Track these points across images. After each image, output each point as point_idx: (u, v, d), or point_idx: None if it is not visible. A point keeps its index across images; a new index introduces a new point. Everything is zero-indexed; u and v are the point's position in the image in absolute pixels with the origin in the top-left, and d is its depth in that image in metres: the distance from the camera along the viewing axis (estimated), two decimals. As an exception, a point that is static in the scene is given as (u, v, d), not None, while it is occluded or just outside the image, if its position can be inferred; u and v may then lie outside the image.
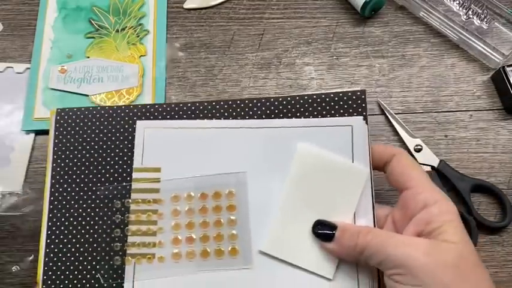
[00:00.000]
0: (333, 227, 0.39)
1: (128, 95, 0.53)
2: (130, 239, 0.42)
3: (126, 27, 0.57)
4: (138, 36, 0.56)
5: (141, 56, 0.55)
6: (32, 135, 0.51)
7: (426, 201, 0.37)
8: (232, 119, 0.44)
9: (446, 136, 0.51)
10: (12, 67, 0.55)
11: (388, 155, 0.41)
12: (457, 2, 0.54)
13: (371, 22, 0.57)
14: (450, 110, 0.52)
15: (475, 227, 0.46)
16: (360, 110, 0.43)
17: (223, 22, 0.57)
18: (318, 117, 0.43)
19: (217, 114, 0.44)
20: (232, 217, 0.42)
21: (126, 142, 0.44)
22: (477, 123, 0.51)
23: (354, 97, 0.44)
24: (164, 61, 0.55)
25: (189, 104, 0.44)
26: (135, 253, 0.41)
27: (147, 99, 0.53)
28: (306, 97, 0.44)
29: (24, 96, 0.53)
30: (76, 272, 0.42)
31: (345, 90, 0.45)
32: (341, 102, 0.44)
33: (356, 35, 0.56)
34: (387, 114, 0.51)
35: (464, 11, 0.54)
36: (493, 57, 0.53)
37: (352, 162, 0.42)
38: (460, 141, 0.51)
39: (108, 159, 0.44)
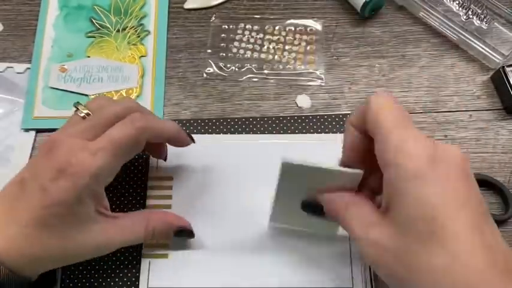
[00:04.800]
0: (319, 207, 0.37)
1: (127, 96, 0.53)
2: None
3: (127, 27, 0.57)
4: (138, 37, 0.56)
5: (142, 56, 0.55)
6: (32, 134, 0.51)
7: (387, 159, 0.30)
8: (234, 133, 0.50)
9: (446, 136, 0.51)
10: (12, 67, 0.55)
11: (363, 112, 0.33)
12: (457, 2, 0.55)
13: (371, 22, 0.57)
14: (450, 110, 0.52)
15: None
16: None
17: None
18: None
19: (224, 130, 0.50)
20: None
21: (140, 153, 0.47)
22: (477, 123, 0.51)
23: (344, 119, 0.49)
24: (164, 62, 0.55)
25: (199, 120, 0.51)
26: (149, 254, 0.45)
27: (147, 100, 0.53)
28: (295, 117, 0.51)
29: (24, 96, 0.53)
30: (93, 272, 0.44)
31: (335, 113, 0.51)
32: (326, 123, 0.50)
33: (356, 35, 0.56)
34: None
35: (464, 11, 0.54)
36: (492, 57, 0.53)
37: None
38: (459, 141, 0.51)
39: (124, 168, 0.47)
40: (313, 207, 0.38)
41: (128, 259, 0.45)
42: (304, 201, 0.38)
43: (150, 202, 0.47)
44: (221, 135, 0.50)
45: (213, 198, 0.47)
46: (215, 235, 0.45)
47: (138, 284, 0.44)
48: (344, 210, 0.35)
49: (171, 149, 0.47)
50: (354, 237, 0.33)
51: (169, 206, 0.46)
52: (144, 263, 0.44)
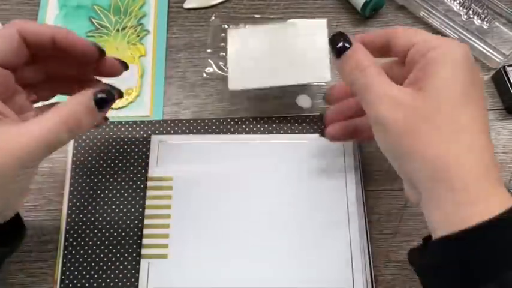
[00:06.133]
0: (349, 43, 0.36)
1: (126, 95, 0.53)
2: (144, 241, 0.45)
3: (126, 26, 0.57)
4: (138, 36, 0.56)
5: (141, 56, 0.55)
6: (32, 135, 0.51)
7: (428, 48, 0.33)
8: (234, 133, 0.50)
9: (446, 136, 0.51)
10: (12, 67, 0.55)
11: (387, 36, 0.37)
12: (458, 1, 0.54)
13: (371, 22, 0.57)
14: (450, 110, 0.52)
15: None
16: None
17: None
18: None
19: (224, 130, 0.50)
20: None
21: (140, 154, 0.49)
22: (477, 124, 0.51)
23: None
24: (164, 62, 0.55)
25: (199, 120, 0.51)
26: (148, 254, 0.45)
27: (146, 99, 0.53)
28: (295, 117, 0.51)
29: (24, 96, 0.53)
30: (93, 272, 0.44)
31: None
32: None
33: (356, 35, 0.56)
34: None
35: (464, 10, 0.54)
36: (493, 57, 0.52)
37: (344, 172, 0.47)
38: (460, 141, 0.50)
39: (124, 169, 0.48)
40: (339, 41, 0.37)
41: (128, 259, 0.45)
42: (334, 33, 0.38)
43: (149, 202, 0.47)
44: (221, 135, 0.50)
45: (213, 199, 0.47)
46: (215, 235, 0.45)
47: (138, 284, 0.44)
48: (369, 61, 0.35)
49: (171, 149, 0.47)
50: (375, 91, 0.34)
51: (169, 207, 0.46)
52: (144, 263, 0.44)
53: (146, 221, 0.46)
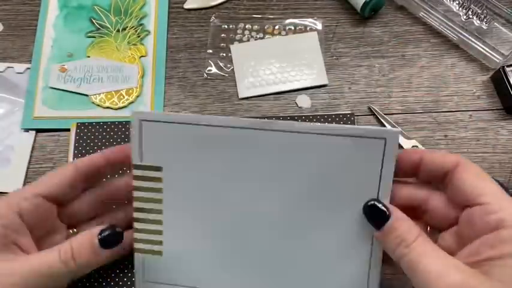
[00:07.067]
0: (387, 214, 0.34)
1: (127, 96, 0.53)
2: (136, 236, 0.40)
3: (127, 27, 0.57)
4: (138, 37, 0.56)
5: (142, 56, 0.55)
6: (32, 135, 0.51)
7: (501, 222, 0.31)
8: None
9: (446, 136, 0.51)
10: (12, 67, 0.55)
11: (450, 163, 0.34)
12: (457, 2, 0.54)
13: (371, 22, 0.57)
14: (450, 110, 0.52)
15: None
16: None
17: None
18: None
19: None
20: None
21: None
22: (477, 123, 0.51)
23: (345, 119, 0.50)
24: (164, 62, 0.55)
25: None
26: (142, 248, 0.41)
27: (147, 100, 0.53)
28: (295, 117, 0.50)
29: (24, 96, 0.53)
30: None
31: (335, 113, 0.51)
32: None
33: (356, 35, 0.56)
34: (380, 118, 0.51)
35: (464, 11, 0.54)
36: (492, 57, 0.53)
37: (379, 178, 0.36)
38: (459, 141, 0.51)
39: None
40: (377, 212, 0.34)
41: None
42: (369, 203, 0.35)
43: (137, 194, 0.40)
44: (224, 117, 0.40)
45: (212, 193, 0.39)
46: (213, 233, 0.40)
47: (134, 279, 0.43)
48: (415, 234, 0.33)
49: (159, 132, 0.39)
50: (429, 272, 0.31)
51: (160, 200, 0.40)
52: (138, 258, 0.41)
53: (135, 214, 0.40)
